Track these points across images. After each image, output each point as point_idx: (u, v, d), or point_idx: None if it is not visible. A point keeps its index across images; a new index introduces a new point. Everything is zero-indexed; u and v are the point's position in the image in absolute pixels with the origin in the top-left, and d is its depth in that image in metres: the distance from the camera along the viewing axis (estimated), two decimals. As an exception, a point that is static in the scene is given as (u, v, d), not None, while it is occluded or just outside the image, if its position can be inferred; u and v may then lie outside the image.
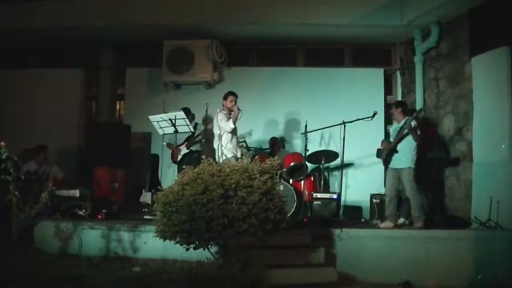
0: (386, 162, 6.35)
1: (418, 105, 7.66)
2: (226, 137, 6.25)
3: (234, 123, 6.24)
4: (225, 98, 6.37)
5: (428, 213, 6.48)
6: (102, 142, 7.46)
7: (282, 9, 7.60)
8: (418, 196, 6.12)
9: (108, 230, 5.54)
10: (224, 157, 6.13)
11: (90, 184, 7.14)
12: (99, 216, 6.11)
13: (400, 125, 6.30)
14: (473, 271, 5.39)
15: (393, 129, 6.55)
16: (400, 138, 6.15)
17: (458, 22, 6.93)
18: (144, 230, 5.48)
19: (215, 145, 6.34)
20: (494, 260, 5.40)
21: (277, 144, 7.84)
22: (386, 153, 6.31)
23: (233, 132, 6.31)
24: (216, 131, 6.34)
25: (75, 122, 8.72)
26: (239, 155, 6.24)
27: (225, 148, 6.21)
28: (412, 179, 6.10)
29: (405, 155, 6.13)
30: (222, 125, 6.21)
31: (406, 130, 6.08)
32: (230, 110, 6.30)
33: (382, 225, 6.16)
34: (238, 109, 6.27)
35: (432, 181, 7.12)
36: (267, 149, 7.88)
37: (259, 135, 8.33)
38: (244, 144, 7.53)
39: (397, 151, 6.15)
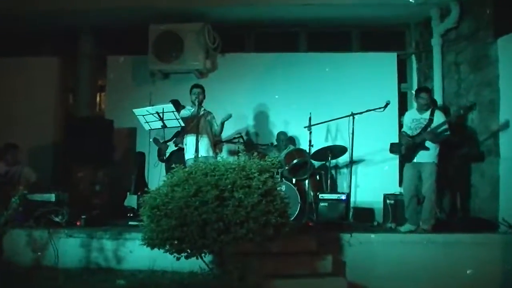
0: (407, 158, 6.25)
1: (437, 93, 7.63)
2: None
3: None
4: None
5: (449, 215, 6.43)
6: (81, 139, 7.39)
7: (282, -13, 7.58)
8: (434, 197, 6.05)
9: (88, 238, 5.54)
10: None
11: (68, 187, 7.08)
12: (78, 223, 6.11)
13: (426, 116, 6.15)
14: (501, 280, 5.38)
15: (415, 119, 6.29)
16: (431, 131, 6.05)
17: (481, -2, 6.90)
18: (129, 237, 5.49)
19: None
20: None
21: (284, 139, 7.78)
22: (408, 147, 6.22)
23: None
24: None
25: (51, 117, 8.66)
26: (208, 154, 6.55)
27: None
28: (434, 177, 6.02)
29: (432, 149, 6.05)
30: None
31: (445, 125, 5.99)
32: None
33: (403, 228, 6.13)
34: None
35: (454, 179, 7.08)
36: (266, 145, 7.87)
37: (256, 129, 8.31)
38: (241, 140, 7.49)
39: (426, 147, 6.04)
